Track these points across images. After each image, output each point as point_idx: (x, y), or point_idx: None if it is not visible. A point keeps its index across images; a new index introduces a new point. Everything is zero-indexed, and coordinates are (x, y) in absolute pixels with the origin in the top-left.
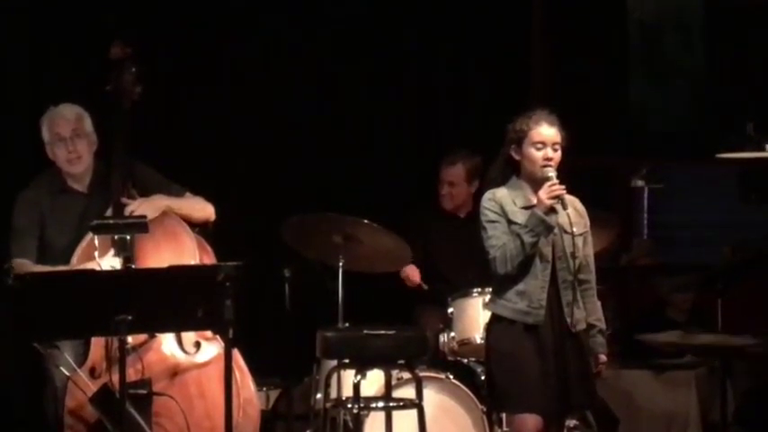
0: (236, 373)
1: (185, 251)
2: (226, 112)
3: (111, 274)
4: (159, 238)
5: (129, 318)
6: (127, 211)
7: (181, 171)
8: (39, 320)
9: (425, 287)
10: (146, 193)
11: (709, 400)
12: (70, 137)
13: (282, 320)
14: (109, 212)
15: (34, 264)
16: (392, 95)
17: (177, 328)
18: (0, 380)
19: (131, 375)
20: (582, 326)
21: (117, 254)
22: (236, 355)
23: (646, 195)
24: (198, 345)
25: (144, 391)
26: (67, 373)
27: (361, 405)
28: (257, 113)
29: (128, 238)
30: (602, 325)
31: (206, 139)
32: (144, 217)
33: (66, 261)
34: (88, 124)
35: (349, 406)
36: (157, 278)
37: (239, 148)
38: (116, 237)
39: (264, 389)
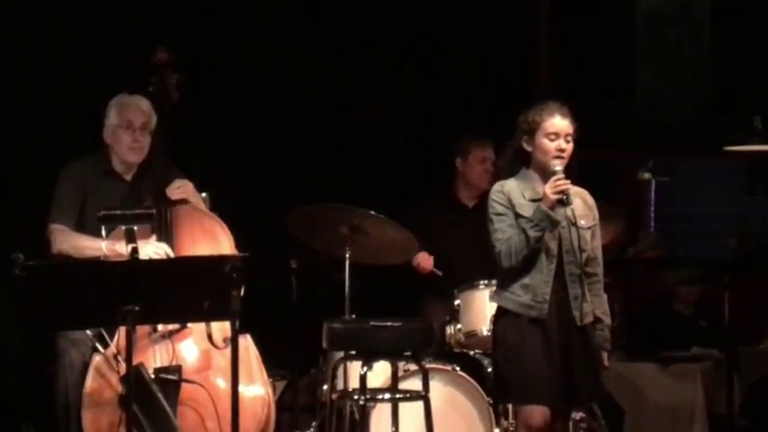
0: (264, 376)
1: (222, 250)
2: (232, 105)
3: (118, 264)
4: (198, 236)
5: (136, 308)
6: (173, 186)
7: (188, 163)
8: (46, 311)
9: (439, 273)
10: None
11: (715, 393)
12: (140, 127)
13: (289, 312)
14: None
15: (74, 231)
16: (398, 87)
17: (184, 318)
18: (8, 366)
19: (163, 361)
20: (589, 319)
21: (159, 238)
22: (259, 359)
23: (652, 188)
24: (227, 341)
25: (174, 377)
26: (102, 349)
27: (368, 397)
28: (263, 105)
29: (135, 228)
30: (608, 319)
31: (212, 130)
32: (151, 208)
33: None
34: (154, 122)
35: (355, 397)
36: (164, 269)
37: (246, 139)
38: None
39: (270, 380)
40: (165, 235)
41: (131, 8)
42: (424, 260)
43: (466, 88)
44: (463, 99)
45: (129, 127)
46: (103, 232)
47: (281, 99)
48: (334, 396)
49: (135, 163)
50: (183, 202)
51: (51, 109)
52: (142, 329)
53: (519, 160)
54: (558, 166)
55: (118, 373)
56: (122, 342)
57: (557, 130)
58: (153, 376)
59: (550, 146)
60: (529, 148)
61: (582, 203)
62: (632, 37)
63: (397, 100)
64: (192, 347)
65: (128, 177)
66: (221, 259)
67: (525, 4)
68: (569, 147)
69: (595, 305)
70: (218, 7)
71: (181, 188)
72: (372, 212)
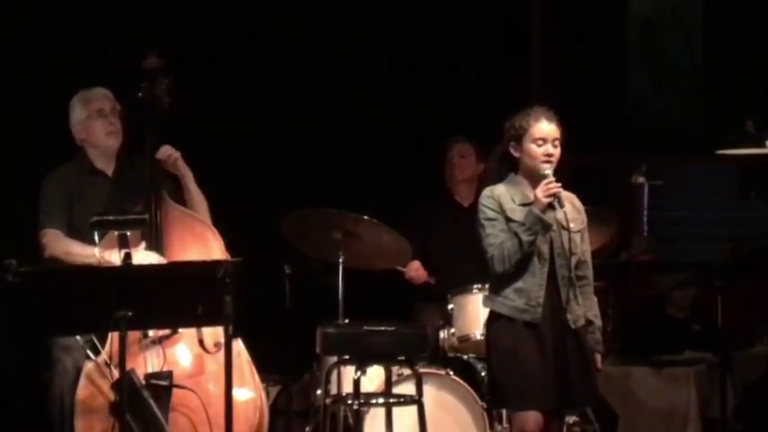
0: (256, 380)
1: (212, 255)
2: (225, 108)
3: (112, 269)
4: (189, 241)
5: (130, 314)
6: (163, 149)
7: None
8: (39, 316)
9: (432, 281)
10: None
11: (708, 397)
12: (110, 112)
13: (282, 317)
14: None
15: (65, 235)
16: (391, 91)
17: (177, 324)
18: (2, 373)
19: (154, 367)
20: (581, 322)
21: (149, 244)
22: (251, 363)
23: (646, 192)
24: (219, 345)
25: (165, 383)
26: (93, 356)
27: (361, 401)
28: (257, 109)
29: (128, 234)
30: (599, 322)
31: (204, 135)
32: (143, 213)
33: (90, 244)
34: (119, 107)
35: (349, 402)
36: (157, 274)
37: (239, 143)
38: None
39: (264, 385)
40: (156, 240)
41: (121, 13)
42: (417, 273)
43: (460, 92)
44: (457, 103)
45: (101, 115)
46: (96, 238)
47: (274, 103)
48: (327, 401)
49: (114, 148)
50: (170, 165)
51: (43, 115)
52: (133, 335)
53: (507, 166)
54: (548, 169)
55: (110, 379)
56: (114, 348)
57: (544, 135)
58: (144, 382)
59: (538, 151)
60: (516, 154)
61: (571, 207)
62: (625, 40)
63: (392, 103)
64: (184, 353)
65: (109, 173)
66: (215, 264)
67: (519, 8)
68: (557, 151)
69: (586, 308)
70: (210, 11)
71: (171, 153)
72: (366, 217)
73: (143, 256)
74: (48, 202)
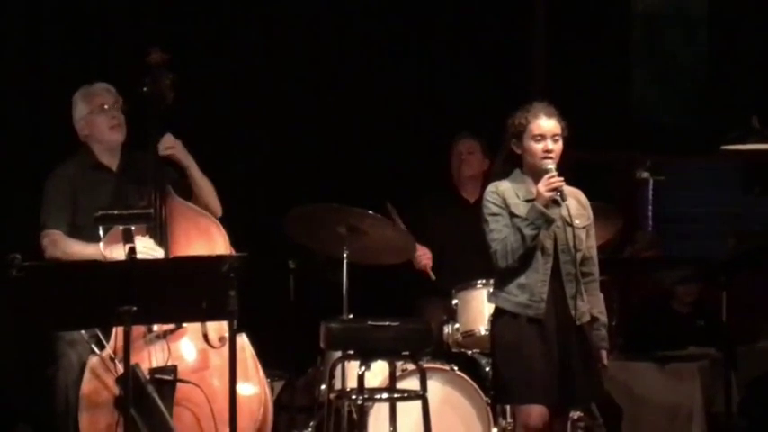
0: (260, 375)
1: (217, 249)
2: (229, 104)
3: (116, 264)
4: (193, 236)
5: (134, 308)
6: (163, 142)
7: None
8: (43, 311)
9: (433, 276)
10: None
11: (712, 392)
12: (112, 106)
13: (287, 312)
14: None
15: (66, 236)
16: (396, 87)
17: (182, 318)
18: (5, 367)
19: (158, 361)
20: (586, 318)
21: (153, 238)
22: (255, 358)
23: (650, 188)
24: (223, 340)
25: (169, 378)
26: (98, 351)
27: (366, 396)
28: (261, 104)
29: (132, 228)
30: (605, 318)
31: (208, 130)
32: (148, 208)
33: (95, 239)
34: (121, 101)
35: (353, 397)
36: (162, 269)
37: (243, 139)
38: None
39: (268, 380)
40: (161, 234)
41: (124, 9)
42: (423, 254)
43: (463, 89)
44: (461, 100)
45: (104, 110)
46: (101, 232)
47: (277, 99)
48: (332, 396)
49: (118, 142)
50: (173, 159)
51: (46, 111)
52: (137, 330)
53: (511, 163)
54: (551, 164)
55: (114, 374)
56: (119, 343)
57: (543, 131)
58: (148, 377)
59: (537, 147)
60: (518, 151)
61: (576, 203)
62: (628, 37)
63: (395, 100)
64: (188, 347)
65: (114, 167)
66: (219, 259)
67: (521, 6)
68: (557, 146)
69: (592, 304)
70: (214, 6)
71: (171, 146)
72: (370, 212)
73: (141, 243)
74: (50, 201)
